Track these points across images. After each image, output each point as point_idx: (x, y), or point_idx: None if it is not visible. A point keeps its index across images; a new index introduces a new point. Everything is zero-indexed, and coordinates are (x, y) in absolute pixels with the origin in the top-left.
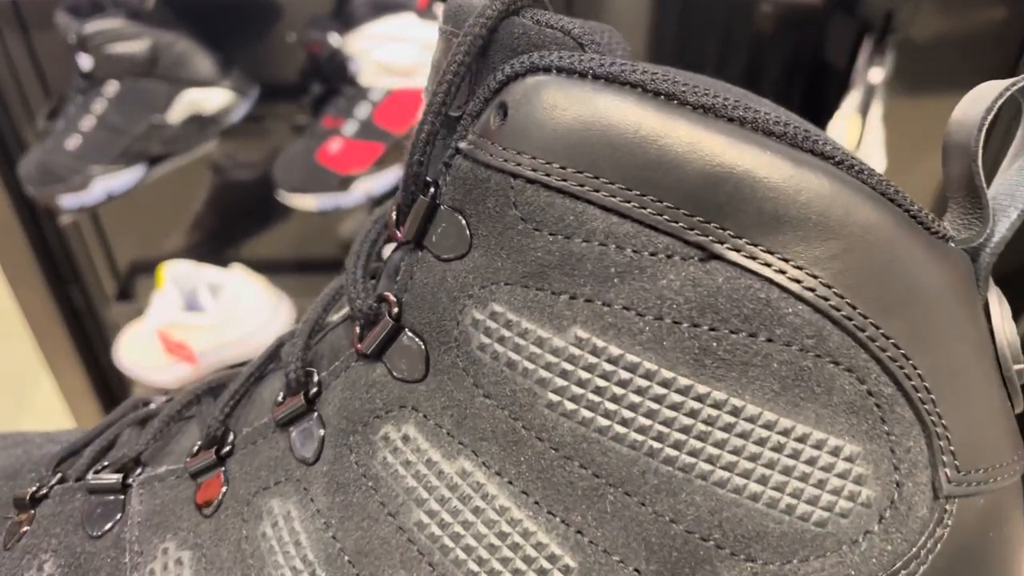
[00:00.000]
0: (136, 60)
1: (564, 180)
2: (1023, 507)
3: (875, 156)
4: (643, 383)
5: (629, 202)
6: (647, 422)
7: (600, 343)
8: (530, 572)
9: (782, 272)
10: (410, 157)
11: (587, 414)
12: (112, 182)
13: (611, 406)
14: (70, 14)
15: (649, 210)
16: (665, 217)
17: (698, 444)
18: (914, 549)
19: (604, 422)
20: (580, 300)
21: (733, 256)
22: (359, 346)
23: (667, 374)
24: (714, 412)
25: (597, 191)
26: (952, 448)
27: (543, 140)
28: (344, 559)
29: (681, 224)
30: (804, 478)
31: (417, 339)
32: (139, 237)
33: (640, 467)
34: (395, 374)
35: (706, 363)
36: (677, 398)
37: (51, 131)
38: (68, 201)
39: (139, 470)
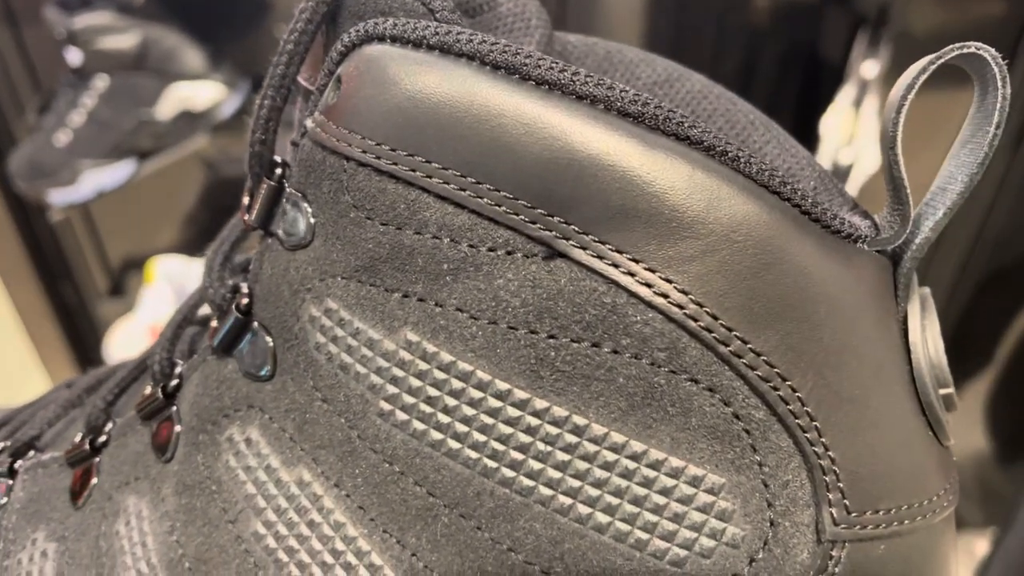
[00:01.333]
0: (126, 54)
1: (395, 164)
2: (951, 554)
3: (869, 151)
4: (476, 394)
5: (464, 190)
6: (481, 438)
7: (431, 348)
8: None
9: (631, 274)
10: (251, 136)
11: (419, 426)
12: (102, 177)
13: (444, 418)
14: (59, 8)
15: (486, 200)
16: (504, 208)
17: (537, 465)
18: None
19: (437, 436)
20: (412, 299)
21: (578, 255)
22: (210, 341)
23: (502, 385)
24: (554, 430)
25: (430, 177)
26: (841, 485)
27: (373, 119)
28: (184, 566)
29: (522, 217)
30: (657, 510)
31: (265, 334)
32: (130, 233)
33: (475, 487)
34: (245, 370)
35: (543, 375)
36: (513, 413)
37: (41, 126)
38: (57, 196)
39: (31, 454)
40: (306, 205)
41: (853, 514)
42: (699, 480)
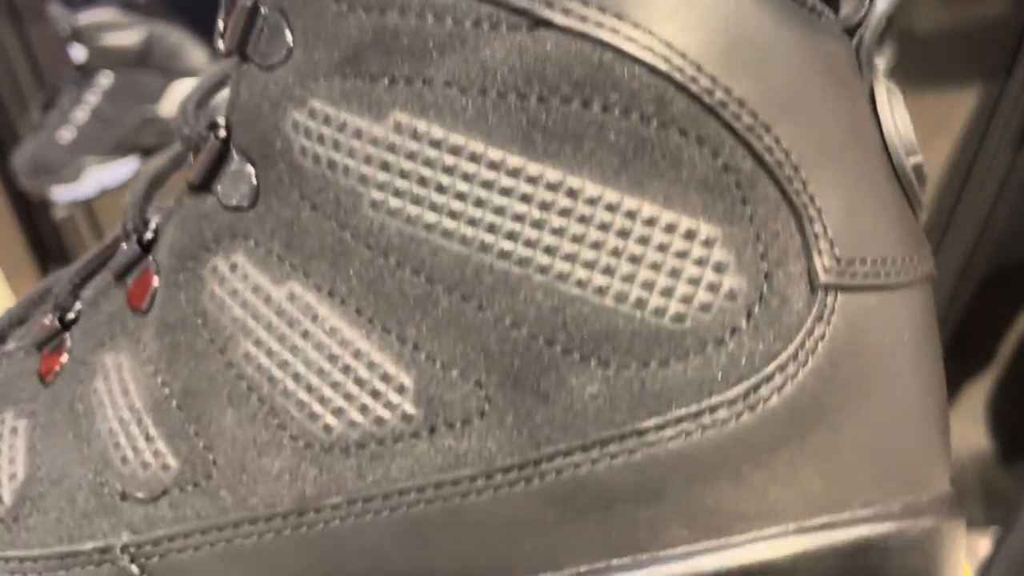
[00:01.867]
0: (130, 51)
1: None
2: (933, 316)
3: None
4: (470, 168)
5: None
6: (477, 213)
7: (421, 126)
8: (363, 395)
9: (615, 32)
10: None
11: (413, 210)
12: (105, 174)
13: (437, 198)
14: (63, 5)
15: None
16: None
17: (534, 234)
18: (790, 348)
19: (432, 217)
20: (399, 82)
21: (562, 20)
22: (189, 177)
23: (495, 154)
24: (549, 195)
25: None
26: (829, 234)
27: None
28: (172, 404)
29: None
30: (655, 267)
31: (246, 160)
32: None
33: (473, 265)
34: (225, 203)
35: (535, 138)
36: (508, 182)
37: (44, 123)
38: (60, 193)
39: None
40: (281, 17)
41: (842, 262)
42: (693, 234)
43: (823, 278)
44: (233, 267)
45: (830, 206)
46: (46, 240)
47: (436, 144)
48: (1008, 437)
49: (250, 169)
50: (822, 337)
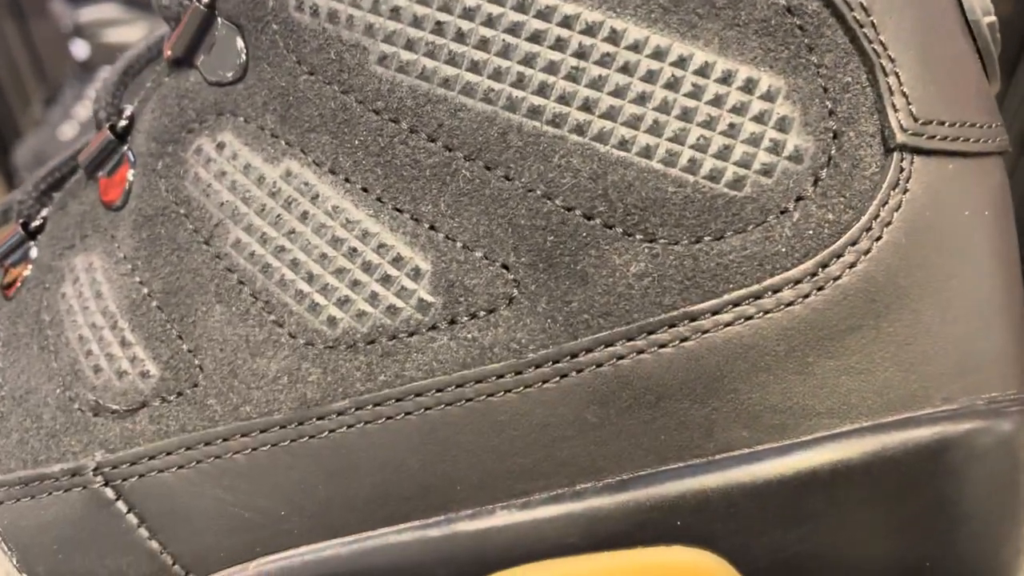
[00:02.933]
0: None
1: None
2: (1009, 196)
3: None
4: (494, 9)
5: None
6: (503, 63)
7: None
8: (373, 283)
9: None
10: None
11: (428, 63)
12: None
13: (456, 47)
14: (65, 1)
15: None
16: None
17: (570, 87)
18: (863, 219)
19: (450, 71)
20: None
21: None
22: (168, 52)
23: None
24: (588, 40)
25: None
26: (904, 89)
27: None
28: (151, 304)
29: None
30: (709, 123)
31: (233, 26)
32: None
33: (500, 126)
34: (210, 78)
35: None
36: (539, 25)
37: (47, 119)
38: None
39: None
40: None
41: (920, 121)
42: (753, 84)
43: (899, 138)
44: (220, 147)
45: (904, 58)
46: None
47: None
48: None
49: (238, 36)
50: (898, 206)
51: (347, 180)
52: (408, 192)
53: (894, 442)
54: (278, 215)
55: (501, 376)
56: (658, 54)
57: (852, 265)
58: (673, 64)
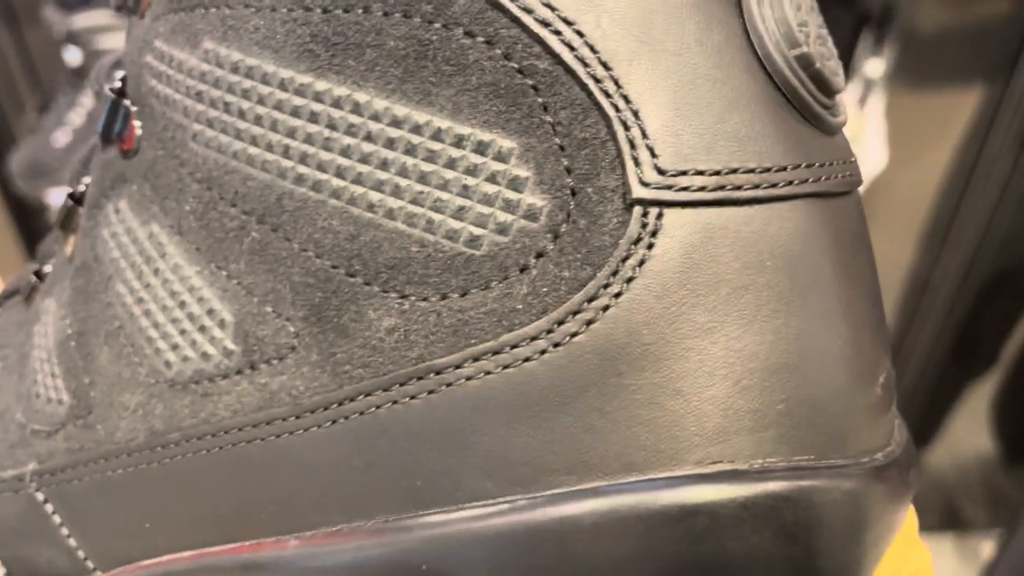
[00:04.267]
0: None
1: None
2: (828, 236)
3: (877, 150)
4: (264, 89)
5: None
6: (275, 136)
7: (223, 51)
8: (194, 331)
9: None
10: None
11: (224, 139)
12: None
13: (241, 124)
14: (58, 8)
15: None
16: None
17: (326, 156)
18: (600, 275)
19: (239, 145)
20: (210, 9)
21: None
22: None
23: (284, 74)
24: (336, 113)
25: None
26: (649, 142)
27: None
28: (71, 343)
29: None
30: (445, 185)
31: (132, 105)
32: None
33: (276, 192)
34: (120, 151)
35: (318, 52)
36: (298, 101)
37: (41, 126)
38: (56, 196)
39: (14, 299)
40: None
41: (666, 174)
42: (486, 147)
43: (639, 192)
44: (117, 211)
45: (651, 108)
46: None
47: (235, 68)
48: (1012, 439)
49: (132, 111)
50: (642, 262)
51: (186, 239)
52: (221, 251)
53: (626, 504)
54: (141, 271)
55: (285, 419)
56: (396, 122)
57: (590, 322)
58: (411, 131)
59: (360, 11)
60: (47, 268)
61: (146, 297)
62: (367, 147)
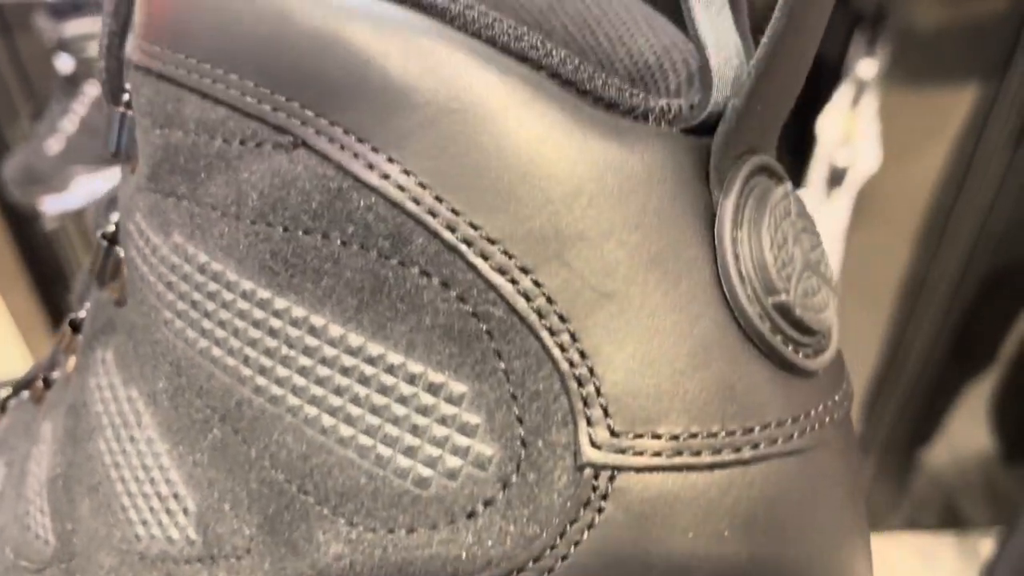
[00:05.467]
0: None
1: (163, 63)
2: (791, 505)
3: (870, 150)
4: (228, 295)
5: (216, 82)
6: (236, 343)
7: (191, 249)
8: (161, 512)
9: (356, 156)
10: (98, 65)
11: (191, 333)
12: (95, 183)
13: (206, 323)
14: (50, 16)
15: (234, 90)
16: (250, 98)
17: (283, 372)
18: (546, 535)
19: (204, 342)
20: (182, 201)
21: (315, 140)
22: (89, 270)
23: (246, 284)
24: (295, 332)
25: (190, 72)
26: (603, 401)
27: (143, 19)
28: (59, 483)
29: (266, 105)
30: (397, 422)
31: (122, 254)
32: None
33: (236, 397)
34: (108, 294)
35: (278, 271)
36: (259, 314)
37: (34, 134)
38: (50, 203)
39: (24, 395)
40: (136, 123)
41: (620, 436)
42: (438, 388)
43: (589, 454)
44: (103, 362)
45: (608, 365)
46: (37, 251)
47: (202, 269)
48: (1011, 437)
49: (124, 266)
50: (591, 525)
51: (160, 414)
52: (188, 437)
53: None
54: (119, 433)
55: None
56: (352, 351)
57: None
58: (365, 361)
59: (319, 236)
60: (56, 373)
61: (122, 463)
62: (323, 371)
